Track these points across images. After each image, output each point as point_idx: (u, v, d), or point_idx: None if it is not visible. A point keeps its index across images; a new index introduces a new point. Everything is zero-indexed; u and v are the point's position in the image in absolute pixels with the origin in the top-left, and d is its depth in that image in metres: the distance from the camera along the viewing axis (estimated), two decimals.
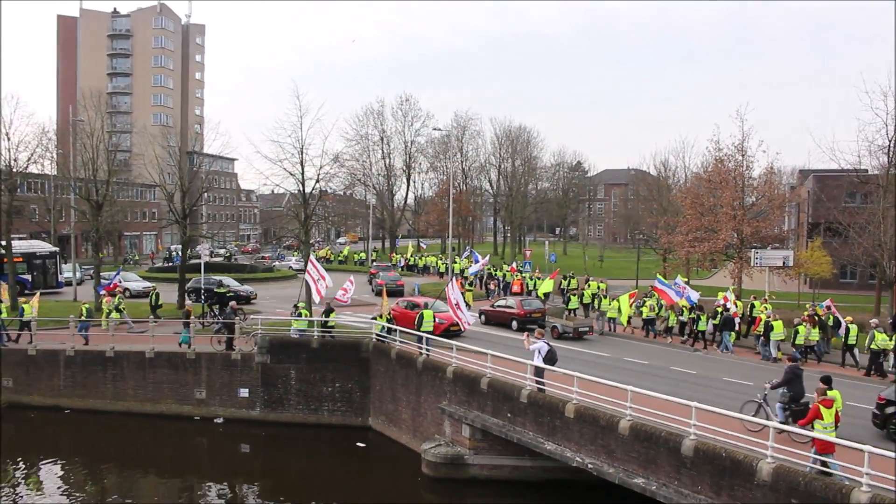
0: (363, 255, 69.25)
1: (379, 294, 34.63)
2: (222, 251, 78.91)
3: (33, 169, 40.56)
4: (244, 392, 24.92)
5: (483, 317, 31.23)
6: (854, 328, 23.40)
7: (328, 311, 25.50)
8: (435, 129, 79.17)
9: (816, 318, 24.99)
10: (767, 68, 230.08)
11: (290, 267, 61.27)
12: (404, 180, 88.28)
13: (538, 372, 17.68)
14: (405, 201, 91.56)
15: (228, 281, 39.72)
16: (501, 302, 32.02)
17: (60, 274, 45.00)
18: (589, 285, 34.00)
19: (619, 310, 29.77)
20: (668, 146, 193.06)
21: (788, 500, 11.52)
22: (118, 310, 29.08)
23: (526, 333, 20.42)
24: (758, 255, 34.61)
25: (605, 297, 31.49)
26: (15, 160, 35.64)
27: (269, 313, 31.43)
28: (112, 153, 43.26)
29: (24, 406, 26.26)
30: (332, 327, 25.60)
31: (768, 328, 23.99)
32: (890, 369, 21.63)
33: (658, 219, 50.75)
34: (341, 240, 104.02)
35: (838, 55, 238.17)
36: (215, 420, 24.87)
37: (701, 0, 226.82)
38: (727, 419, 13.48)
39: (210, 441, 24.19)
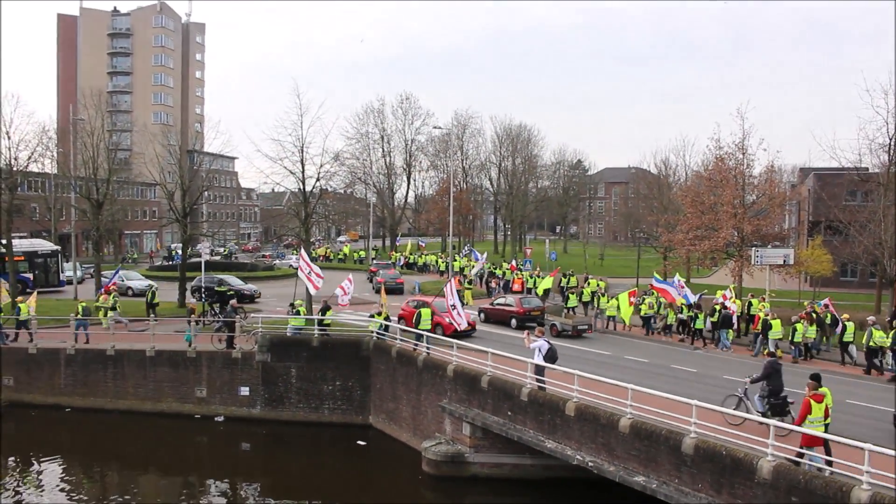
0: (363, 253, 69.28)
1: (378, 292, 34.69)
2: (221, 249, 78.87)
3: (34, 168, 40.72)
4: (245, 390, 24.95)
5: (482, 315, 31.26)
6: (851, 325, 23.41)
7: (325, 309, 25.49)
8: (435, 127, 79.25)
9: (814, 315, 25.00)
10: (768, 67, 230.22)
11: (291, 265, 61.27)
12: (405, 178, 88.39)
13: (539, 370, 17.70)
14: (405, 200, 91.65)
15: (232, 280, 39.68)
16: (501, 300, 32.10)
17: (62, 272, 45.08)
18: (588, 283, 34.03)
19: (619, 308, 29.80)
20: (669, 144, 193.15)
21: (789, 498, 11.54)
22: (113, 308, 29.13)
23: (526, 332, 20.48)
24: (758, 254, 34.56)
25: (605, 295, 31.55)
26: (15, 159, 35.77)
27: (269, 311, 31.46)
28: (112, 152, 43.42)
29: (24, 405, 26.30)
30: (329, 325, 25.58)
31: (766, 326, 24.00)
32: (887, 367, 21.61)
33: (658, 217, 50.77)
34: (342, 238, 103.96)
35: (839, 54, 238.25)
36: (216, 418, 24.90)
37: (701, 0, 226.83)
38: (727, 418, 13.45)
39: (211, 439, 24.21)
